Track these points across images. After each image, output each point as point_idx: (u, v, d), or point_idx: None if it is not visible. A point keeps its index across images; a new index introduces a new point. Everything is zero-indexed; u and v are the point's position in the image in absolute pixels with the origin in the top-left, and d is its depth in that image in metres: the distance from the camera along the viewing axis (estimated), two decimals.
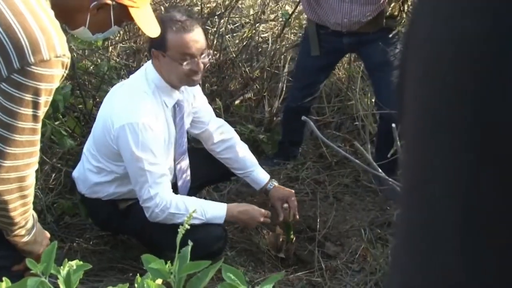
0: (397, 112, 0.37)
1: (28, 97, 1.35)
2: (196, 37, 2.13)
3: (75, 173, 2.35)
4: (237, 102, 3.55)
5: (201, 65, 2.14)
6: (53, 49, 1.34)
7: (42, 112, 1.40)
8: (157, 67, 2.17)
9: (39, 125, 1.42)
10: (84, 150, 2.34)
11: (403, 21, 2.86)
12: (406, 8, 2.83)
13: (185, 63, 2.11)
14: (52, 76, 1.36)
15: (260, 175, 2.51)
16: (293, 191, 2.52)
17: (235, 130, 2.63)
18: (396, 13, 2.82)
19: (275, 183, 2.51)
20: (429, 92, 0.32)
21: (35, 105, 1.37)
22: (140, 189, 2.13)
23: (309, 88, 3.05)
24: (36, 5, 1.37)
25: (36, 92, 1.35)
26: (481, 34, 0.29)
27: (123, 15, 1.61)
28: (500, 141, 0.29)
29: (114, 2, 1.55)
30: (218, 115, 2.68)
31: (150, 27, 1.68)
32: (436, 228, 0.31)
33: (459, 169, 0.30)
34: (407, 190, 0.35)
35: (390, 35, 2.81)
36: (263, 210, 2.30)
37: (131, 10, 1.60)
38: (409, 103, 0.34)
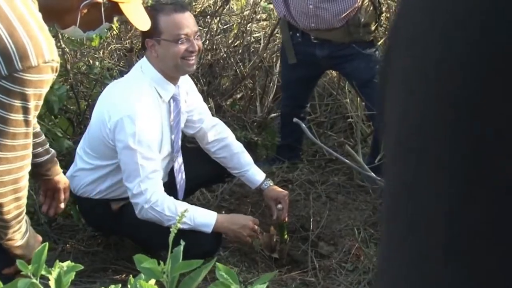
0: (380, 120, 0.35)
1: (18, 103, 1.35)
2: (188, 18, 2.18)
3: (68, 174, 2.34)
4: (229, 101, 3.56)
5: (196, 46, 2.16)
6: (41, 55, 1.35)
7: (33, 116, 1.41)
8: (153, 58, 2.17)
9: (31, 129, 1.42)
10: (77, 150, 2.33)
11: (380, 34, 2.84)
12: (383, 20, 2.82)
13: (180, 41, 2.13)
14: (41, 82, 1.37)
15: (256, 174, 2.51)
16: (286, 192, 2.52)
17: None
18: (372, 25, 2.79)
19: (270, 183, 2.51)
20: (410, 99, 0.31)
21: (25, 110, 1.38)
22: (130, 183, 2.12)
23: (294, 99, 3.06)
24: (24, 10, 1.37)
25: (26, 98, 1.36)
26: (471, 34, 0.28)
27: (114, 11, 1.61)
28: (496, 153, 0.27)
29: (104, 0, 1.56)
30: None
31: (141, 21, 1.69)
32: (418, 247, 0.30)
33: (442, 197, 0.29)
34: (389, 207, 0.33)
35: (368, 50, 2.75)
36: (252, 218, 2.29)
37: (122, 6, 1.60)
38: (390, 113, 0.33)
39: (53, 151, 1.80)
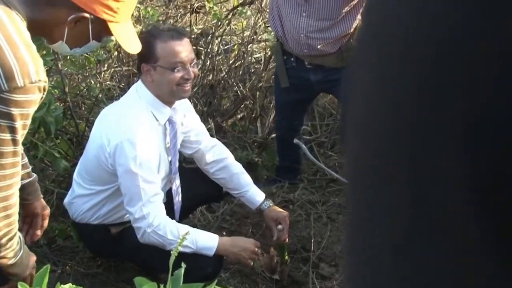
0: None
1: (4, 122, 1.36)
2: (185, 45, 2.16)
3: (66, 200, 2.34)
4: (230, 122, 3.56)
5: (192, 73, 2.16)
6: (27, 76, 1.35)
7: (21, 135, 1.41)
8: (148, 82, 2.17)
9: (19, 147, 1.43)
10: (74, 176, 2.32)
11: None
12: None
13: (176, 69, 2.12)
14: (28, 102, 1.37)
15: (256, 195, 2.50)
16: (287, 212, 2.51)
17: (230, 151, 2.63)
18: None
19: (270, 203, 2.50)
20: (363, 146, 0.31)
21: (12, 130, 1.38)
22: (132, 207, 2.11)
23: (289, 121, 3.04)
24: (12, 29, 1.37)
25: (12, 118, 1.36)
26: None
27: (102, 30, 1.59)
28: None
29: (92, 16, 1.54)
30: (210, 136, 2.68)
31: (130, 43, 1.66)
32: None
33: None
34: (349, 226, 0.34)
35: None
36: (254, 241, 2.28)
37: (111, 25, 1.58)
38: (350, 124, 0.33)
39: (34, 175, 1.79)
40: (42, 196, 1.85)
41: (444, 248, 0.28)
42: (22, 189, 1.73)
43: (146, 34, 2.14)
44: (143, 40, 2.05)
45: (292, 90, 2.87)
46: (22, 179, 1.71)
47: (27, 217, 1.83)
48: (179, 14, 3.69)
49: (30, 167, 1.77)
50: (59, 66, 2.78)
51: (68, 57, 2.95)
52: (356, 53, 0.33)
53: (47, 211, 1.86)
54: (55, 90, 2.88)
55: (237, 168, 2.51)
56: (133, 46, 1.68)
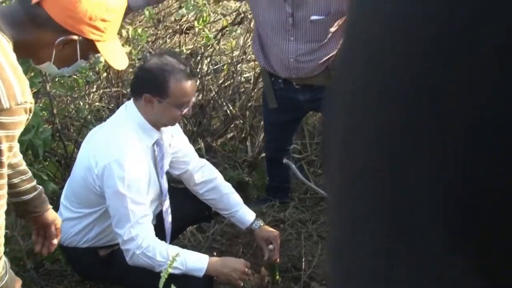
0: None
1: None
2: (194, 85, 2.21)
3: None
4: (219, 141, 3.56)
5: (191, 110, 2.22)
6: (13, 98, 1.34)
7: (6, 157, 1.40)
8: (144, 108, 2.16)
9: (4, 170, 1.41)
10: (62, 199, 2.31)
11: None
12: None
13: (182, 108, 2.15)
14: (14, 123, 1.37)
15: (246, 215, 2.49)
16: (277, 232, 2.50)
17: (219, 171, 2.62)
18: None
19: (261, 223, 2.49)
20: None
21: None
22: (121, 229, 2.09)
23: (278, 141, 3.03)
24: None
25: None
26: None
27: (90, 49, 1.60)
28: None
29: (80, 38, 1.54)
30: (200, 156, 2.68)
31: (118, 61, 1.67)
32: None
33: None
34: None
35: None
36: (244, 261, 2.26)
37: (98, 44, 1.58)
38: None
39: (40, 187, 1.79)
40: (51, 206, 1.85)
41: (422, 271, 0.28)
42: (29, 203, 1.73)
43: (159, 67, 2.13)
44: (156, 72, 2.09)
45: (281, 111, 2.87)
46: (28, 193, 1.71)
47: (40, 229, 1.84)
48: (168, 35, 3.71)
49: (35, 181, 1.77)
50: (48, 88, 2.77)
51: (57, 79, 2.95)
52: (340, 68, 0.33)
53: (58, 221, 1.86)
54: (43, 112, 2.87)
55: (227, 188, 2.51)
56: (120, 62, 1.69)
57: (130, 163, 2.08)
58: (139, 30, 3.21)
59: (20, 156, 1.74)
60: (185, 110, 2.18)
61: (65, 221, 2.26)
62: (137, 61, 3.16)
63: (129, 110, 2.20)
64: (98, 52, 1.61)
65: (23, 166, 1.73)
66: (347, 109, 0.31)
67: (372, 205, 0.29)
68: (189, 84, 2.15)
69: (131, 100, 2.24)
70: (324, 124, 0.37)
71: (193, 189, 2.50)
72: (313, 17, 2.59)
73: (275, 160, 2.98)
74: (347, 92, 0.31)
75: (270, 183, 3.20)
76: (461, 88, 0.26)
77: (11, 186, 1.57)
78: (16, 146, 1.62)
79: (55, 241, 1.87)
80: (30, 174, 1.75)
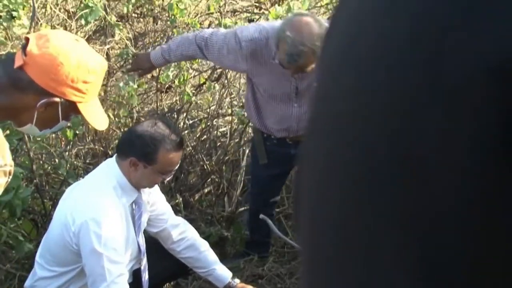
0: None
1: None
2: (181, 154, 2.25)
3: (28, 283, 2.28)
4: (197, 196, 3.56)
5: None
6: None
7: None
8: (127, 170, 2.18)
9: None
10: (37, 258, 2.27)
11: None
12: None
13: (166, 175, 2.21)
14: None
15: (223, 273, 2.50)
16: None
17: (196, 226, 2.63)
18: None
19: (237, 281, 2.50)
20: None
21: None
22: None
23: (265, 196, 3.04)
24: None
25: None
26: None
27: (71, 110, 1.62)
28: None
29: (62, 100, 1.57)
30: (177, 211, 2.69)
31: (98, 121, 1.69)
32: None
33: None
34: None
35: None
36: None
37: (79, 105, 1.61)
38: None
39: None
40: None
41: None
42: None
43: (151, 135, 2.16)
44: (147, 139, 2.13)
45: (271, 165, 2.89)
46: None
47: None
48: (147, 92, 3.75)
49: None
50: (27, 145, 2.76)
51: (36, 137, 2.95)
52: (308, 130, 0.35)
53: None
54: (22, 172, 2.85)
55: (204, 245, 2.52)
56: (100, 122, 1.70)
57: (108, 221, 2.08)
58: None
59: None
60: (167, 177, 2.23)
61: (40, 280, 2.22)
62: (120, 123, 3.18)
63: (110, 168, 2.21)
64: (79, 113, 1.63)
65: None
66: (314, 172, 0.33)
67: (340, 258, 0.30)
68: (177, 155, 2.20)
69: (113, 158, 2.25)
70: (295, 180, 0.37)
71: (170, 247, 2.50)
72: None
73: (259, 214, 2.95)
74: (312, 152, 0.33)
75: (251, 237, 3.18)
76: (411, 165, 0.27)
77: None
78: None
79: None
80: None
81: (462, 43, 0.25)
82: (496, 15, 0.24)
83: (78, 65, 1.57)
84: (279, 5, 3.33)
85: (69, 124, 2.54)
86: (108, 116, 2.68)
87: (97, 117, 1.68)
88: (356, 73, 0.30)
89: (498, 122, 0.24)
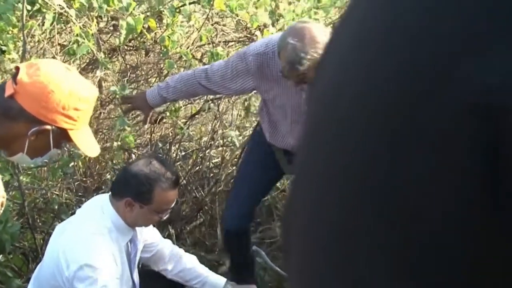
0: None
1: None
2: (177, 192, 2.23)
3: None
4: (189, 227, 3.54)
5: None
6: None
7: None
8: (122, 210, 2.15)
9: None
10: None
11: None
12: None
13: (162, 214, 2.19)
14: None
15: (217, 279, 2.54)
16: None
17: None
18: None
19: (232, 283, 2.55)
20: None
21: None
22: None
23: (246, 216, 2.88)
24: None
25: None
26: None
27: (62, 137, 1.61)
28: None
29: (53, 127, 1.56)
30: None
31: (89, 148, 1.68)
32: None
33: None
34: None
35: None
36: None
37: (71, 133, 1.60)
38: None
39: None
40: None
41: None
42: None
43: (146, 175, 2.14)
44: (142, 179, 2.10)
45: (268, 167, 2.79)
46: None
47: None
48: (139, 123, 3.75)
49: None
50: (19, 179, 2.74)
51: (27, 169, 2.94)
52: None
53: None
54: (13, 206, 2.83)
55: (193, 259, 2.56)
56: (92, 150, 1.69)
57: (101, 265, 2.04)
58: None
59: None
60: (164, 216, 2.21)
61: None
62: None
63: (105, 209, 2.17)
64: (70, 140, 1.62)
65: None
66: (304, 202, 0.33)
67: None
68: (173, 193, 2.18)
69: (107, 197, 2.21)
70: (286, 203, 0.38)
71: (161, 268, 2.51)
72: None
73: (237, 236, 2.85)
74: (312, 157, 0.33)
75: (234, 261, 2.99)
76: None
77: None
78: None
79: None
80: None
81: (450, 87, 0.26)
82: (482, 60, 0.25)
83: (70, 93, 1.57)
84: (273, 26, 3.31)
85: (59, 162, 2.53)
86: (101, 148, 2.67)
87: (88, 144, 1.68)
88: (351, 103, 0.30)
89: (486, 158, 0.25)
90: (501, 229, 0.25)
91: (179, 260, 2.51)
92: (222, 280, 2.53)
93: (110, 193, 2.23)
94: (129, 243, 2.24)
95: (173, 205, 2.23)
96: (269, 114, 2.71)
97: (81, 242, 2.09)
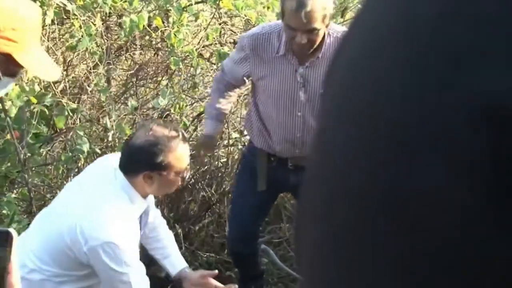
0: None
1: None
2: (188, 146, 2.18)
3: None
4: (197, 227, 3.54)
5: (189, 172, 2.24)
6: None
7: None
8: (142, 185, 2.10)
9: None
10: (31, 255, 2.07)
11: None
12: None
13: (181, 174, 2.14)
14: None
15: (179, 260, 2.46)
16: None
17: (196, 257, 2.61)
18: None
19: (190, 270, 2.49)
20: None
21: None
22: None
23: (247, 234, 2.85)
24: None
25: None
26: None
27: (9, 63, 1.49)
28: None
29: None
30: (178, 241, 2.66)
31: (46, 70, 1.58)
32: None
33: None
34: None
35: None
36: None
37: (16, 56, 1.49)
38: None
39: None
40: None
41: None
42: None
43: (151, 142, 2.07)
44: (148, 149, 2.05)
45: (264, 193, 2.74)
46: None
47: None
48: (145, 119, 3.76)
49: None
50: (26, 177, 2.75)
51: (34, 169, 2.95)
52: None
53: None
54: (21, 203, 2.85)
55: (169, 234, 2.51)
56: (50, 72, 1.60)
57: (123, 244, 2.01)
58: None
59: None
60: (186, 175, 2.18)
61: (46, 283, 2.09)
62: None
63: (121, 184, 2.10)
64: (19, 65, 1.51)
65: None
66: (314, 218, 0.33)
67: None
68: (184, 149, 2.13)
69: (118, 171, 2.13)
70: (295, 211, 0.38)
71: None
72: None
73: (242, 255, 2.87)
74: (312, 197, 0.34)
75: (242, 275, 2.99)
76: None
77: None
78: None
79: None
80: None
81: (455, 98, 0.26)
82: (483, 69, 0.26)
83: (3, 12, 1.46)
84: None
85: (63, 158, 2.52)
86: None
87: (43, 66, 1.56)
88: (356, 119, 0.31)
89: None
90: (508, 239, 0.25)
91: (155, 228, 2.45)
92: (184, 263, 2.46)
93: (122, 173, 2.13)
94: (142, 215, 2.22)
95: (188, 160, 2.17)
96: (259, 112, 2.68)
97: (101, 217, 2.01)
